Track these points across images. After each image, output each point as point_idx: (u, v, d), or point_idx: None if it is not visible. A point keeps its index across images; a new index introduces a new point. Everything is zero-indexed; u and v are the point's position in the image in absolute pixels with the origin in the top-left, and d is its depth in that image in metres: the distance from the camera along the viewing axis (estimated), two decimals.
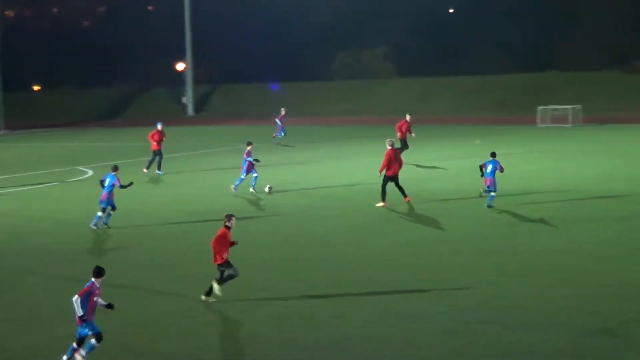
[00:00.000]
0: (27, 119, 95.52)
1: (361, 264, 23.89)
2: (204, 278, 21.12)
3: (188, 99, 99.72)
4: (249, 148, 37.03)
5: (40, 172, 48.06)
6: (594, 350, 16.62)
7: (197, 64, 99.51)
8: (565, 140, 57.66)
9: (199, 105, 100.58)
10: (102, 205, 29.53)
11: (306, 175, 42.67)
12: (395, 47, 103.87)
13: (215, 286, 20.23)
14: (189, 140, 66.67)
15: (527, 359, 16.31)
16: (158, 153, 44.54)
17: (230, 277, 20.30)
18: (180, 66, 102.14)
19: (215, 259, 20.19)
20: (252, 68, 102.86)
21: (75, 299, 16.07)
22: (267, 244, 26.71)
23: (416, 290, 20.94)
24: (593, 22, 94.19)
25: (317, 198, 35.69)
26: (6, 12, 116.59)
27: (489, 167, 31.28)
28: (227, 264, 20.17)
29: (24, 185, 42.72)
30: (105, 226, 29.68)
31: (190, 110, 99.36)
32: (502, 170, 31.44)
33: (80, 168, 48.94)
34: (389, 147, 32.86)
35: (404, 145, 46.01)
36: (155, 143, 44.57)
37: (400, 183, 32.84)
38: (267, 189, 36.61)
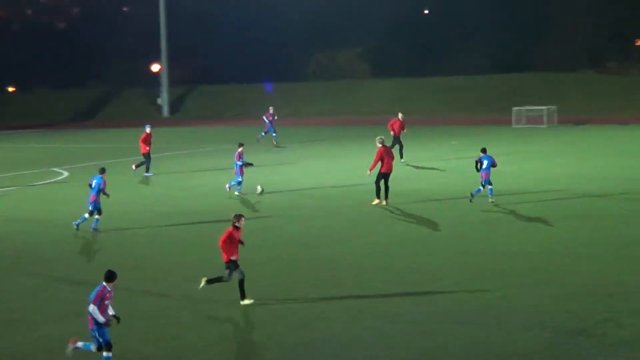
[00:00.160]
0: (1, 120, 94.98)
1: (340, 265, 23.92)
2: (181, 280, 21.06)
3: (163, 100, 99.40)
4: (240, 150, 36.50)
5: (14, 173, 47.80)
6: (568, 350, 16.72)
7: (172, 65, 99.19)
8: (540, 141, 57.89)
9: (175, 107, 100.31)
10: (90, 208, 29.44)
11: (286, 175, 42.60)
12: (372, 48, 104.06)
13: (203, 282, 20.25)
14: (163, 141, 66.43)
15: None
16: (148, 154, 44.64)
17: (219, 279, 20.21)
18: (155, 67, 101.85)
19: (225, 258, 20.10)
20: (228, 69, 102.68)
21: (92, 308, 15.74)
22: (247, 245, 26.63)
23: (393, 291, 20.99)
24: (568, 24, 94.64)
25: (296, 198, 35.68)
26: None
27: (485, 163, 32.00)
28: (233, 264, 20.04)
29: None
30: (95, 231, 29.48)
31: (165, 111, 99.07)
32: (495, 165, 32.14)
33: (55, 169, 48.72)
34: (379, 145, 32.98)
35: (399, 143, 46.37)
36: (144, 146, 44.59)
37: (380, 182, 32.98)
38: (258, 190, 36.25)
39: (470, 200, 32.35)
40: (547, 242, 26.01)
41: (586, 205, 32.07)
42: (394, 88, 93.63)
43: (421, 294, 20.70)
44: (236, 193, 36.43)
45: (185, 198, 37.17)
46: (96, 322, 15.84)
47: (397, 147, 45.61)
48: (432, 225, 29.27)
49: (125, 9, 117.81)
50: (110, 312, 16.16)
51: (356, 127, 76.39)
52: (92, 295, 15.97)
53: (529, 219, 29.55)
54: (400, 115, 47.99)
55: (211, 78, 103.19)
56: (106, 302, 15.99)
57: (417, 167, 44.34)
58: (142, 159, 45.09)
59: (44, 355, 17.36)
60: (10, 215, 34.37)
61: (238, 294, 20.21)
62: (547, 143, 56.62)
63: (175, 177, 44.05)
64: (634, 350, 16.67)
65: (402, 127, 47.36)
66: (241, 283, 20.04)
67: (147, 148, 44.56)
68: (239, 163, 36.24)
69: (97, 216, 29.53)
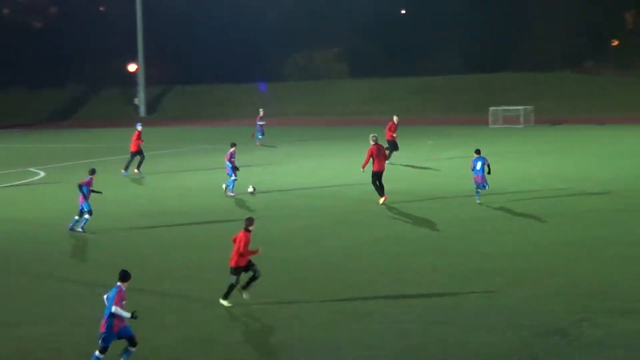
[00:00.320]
0: None
1: (318, 265, 23.93)
2: (158, 279, 20.95)
3: (140, 100, 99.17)
4: (232, 150, 36.25)
5: None
6: (545, 349, 16.79)
7: (149, 65, 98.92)
8: (517, 141, 58.12)
9: (152, 107, 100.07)
10: (80, 209, 29.28)
11: (264, 176, 42.44)
12: (348, 48, 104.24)
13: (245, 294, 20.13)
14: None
15: (478, 359, 16.45)
16: (138, 153, 44.48)
17: (232, 288, 19.97)
18: (132, 67, 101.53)
19: (241, 262, 19.91)
20: (205, 69, 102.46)
21: (115, 309, 15.75)
22: (225, 246, 26.58)
23: (371, 291, 21.00)
24: (545, 24, 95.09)
25: (274, 199, 35.61)
26: None
27: (478, 164, 31.72)
28: (248, 266, 19.96)
29: None
30: (81, 231, 29.29)
31: (142, 111, 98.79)
32: (488, 166, 31.75)
33: (32, 169, 48.45)
34: (372, 143, 33.05)
35: (394, 147, 46.13)
36: (135, 144, 44.45)
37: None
38: (250, 190, 35.96)
39: (479, 204, 32.18)
40: (526, 242, 26.07)
41: (564, 205, 32.20)
42: (371, 88, 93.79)
43: (399, 295, 20.71)
44: (230, 194, 36.11)
45: (167, 197, 37.03)
46: (110, 326, 15.81)
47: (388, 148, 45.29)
48: (413, 225, 29.36)
49: (101, 8, 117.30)
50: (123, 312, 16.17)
51: (336, 127, 76.52)
52: (111, 298, 15.94)
53: (506, 220, 29.67)
54: (395, 118, 47.56)
55: (188, 78, 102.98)
56: (123, 302, 16.00)
57: (391, 168, 44.32)
58: (136, 159, 44.79)
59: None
60: None
61: (216, 295, 20.16)
62: (524, 143, 56.84)
63: (157, 177, 43.84)
64: (609, 349, 16.77)
65: (395, 130, 46.93)
66: (231, 287, 19.95)
67: (137, 146, 44.44)
68: (229, 164, 36.03)
69: (87, 216, 29.33)
